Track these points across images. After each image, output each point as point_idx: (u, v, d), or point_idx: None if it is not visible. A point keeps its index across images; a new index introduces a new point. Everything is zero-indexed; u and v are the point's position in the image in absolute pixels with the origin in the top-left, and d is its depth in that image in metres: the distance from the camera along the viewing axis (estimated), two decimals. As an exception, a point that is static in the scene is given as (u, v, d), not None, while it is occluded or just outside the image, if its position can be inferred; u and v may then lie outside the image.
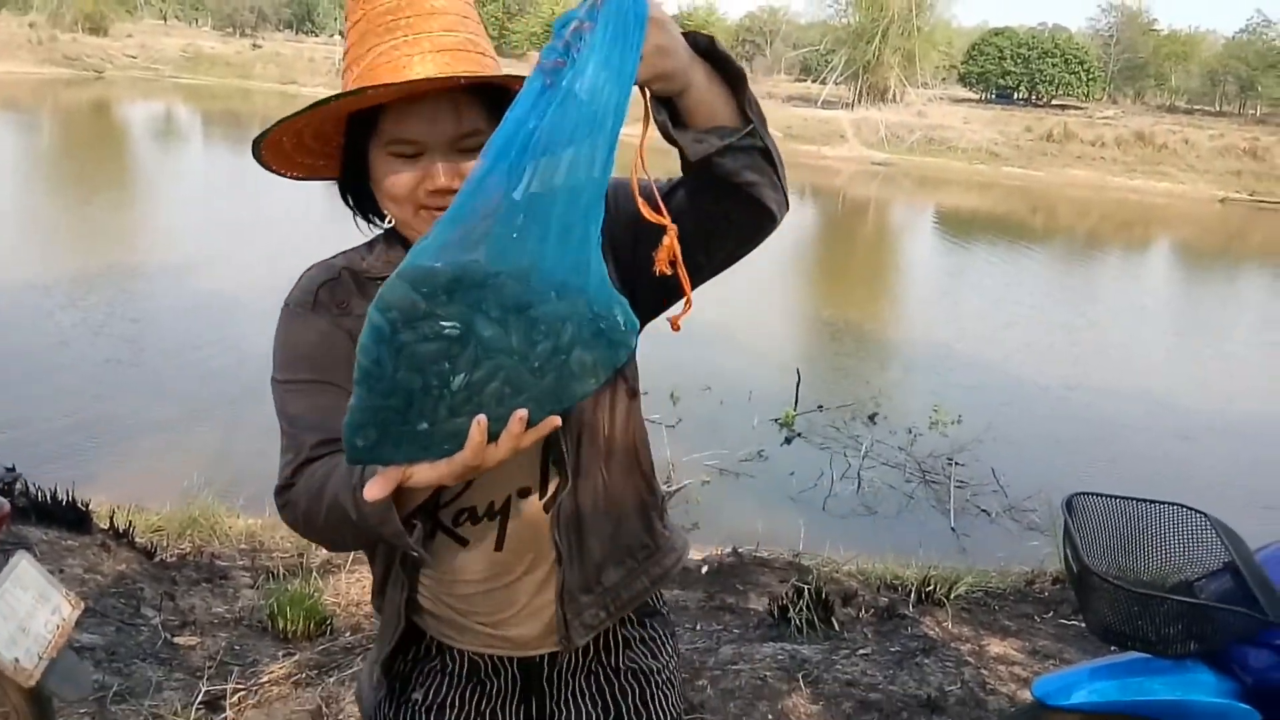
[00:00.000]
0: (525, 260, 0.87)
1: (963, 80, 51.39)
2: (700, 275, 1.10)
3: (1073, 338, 11.34)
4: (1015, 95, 49.65)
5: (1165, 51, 59.03)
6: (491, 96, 1.11)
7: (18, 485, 3.62)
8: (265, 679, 2.82)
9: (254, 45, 46.51)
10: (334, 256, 1.24)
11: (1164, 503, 2.17)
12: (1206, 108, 55.04)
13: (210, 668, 2.84)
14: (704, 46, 0.98)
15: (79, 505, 3.73)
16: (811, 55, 45.69)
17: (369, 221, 1.23)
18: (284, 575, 3.62)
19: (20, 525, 3.42)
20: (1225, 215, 27.79)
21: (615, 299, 0.93)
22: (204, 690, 2.67)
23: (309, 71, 39.38)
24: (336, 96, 1.06)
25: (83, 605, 2.27)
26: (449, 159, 1.09)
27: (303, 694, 2.75)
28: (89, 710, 2.55)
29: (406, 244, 1.19)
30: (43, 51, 37.81)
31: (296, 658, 2.96)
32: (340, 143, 1.17)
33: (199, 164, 21.05)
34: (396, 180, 1.10)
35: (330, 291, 1.18)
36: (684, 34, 0.97)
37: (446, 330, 0.87)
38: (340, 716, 2.63)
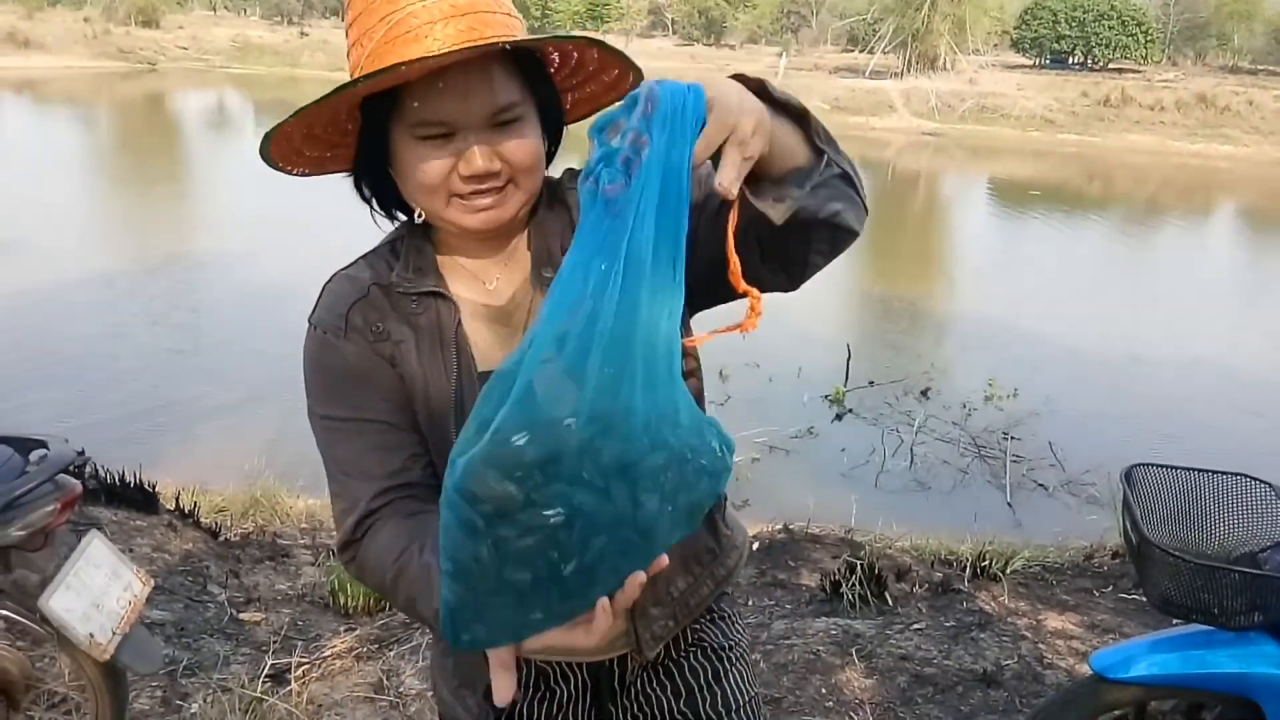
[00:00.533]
0: (616, 413, 0.78)
1: (1015, 46, 50.09)
2: (777, 290, 1.07)
3: (1135, 309, 11.07)
4: (1070, 60, 48.31)
5: (1227, 10, 56.86)
6: (522, 62, 1.02)
7: (87, 468, 3.75)
8: (328, 653, 2.89)
9: (301, 33, 47.03)
10: (356, 265, 1.13)
11: (1227, 473, 2.12)
12: (1271, 68, 53.05)
13: (275, 642, 2.93)
14: (756, 91, 0.90)
15: (146, 487, 3.85)
16: (858, 25, 44.91)
17: (389, 216, 1.12)
18: (343, 553, 3.70)
19: (90, 506, 3.54)
20: (1292, 178, 26.83)
21: (707, 425, 0.86)
22: (269, 664, 2.75)
23: (356, 58, 39.69)
24: (358, 80, 0.95)
25: (153, 582, 2.35)
26: (485, 138, 0.99)
27: (364, 667, 2.82)
28: (160, 683, 2.64)
29: (434, 243, 1.12)
30: (97, 45, 38.62)
31: (358, 632, 3.04)
32: (352, 128, 1.06)
33: (251, 154, 21.40)
34: (427, 167, 1.00)
35: (362, 314, 1.08)
36: (733, 77, 0.89)
37: (552, 519, 0.78)
38: (401, 689, 2.70)
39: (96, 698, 2.24)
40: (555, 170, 1.17)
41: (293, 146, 1.05)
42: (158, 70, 38.19)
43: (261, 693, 2.60)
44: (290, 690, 2.65)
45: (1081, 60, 48.56)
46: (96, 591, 2.19)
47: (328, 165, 1.10)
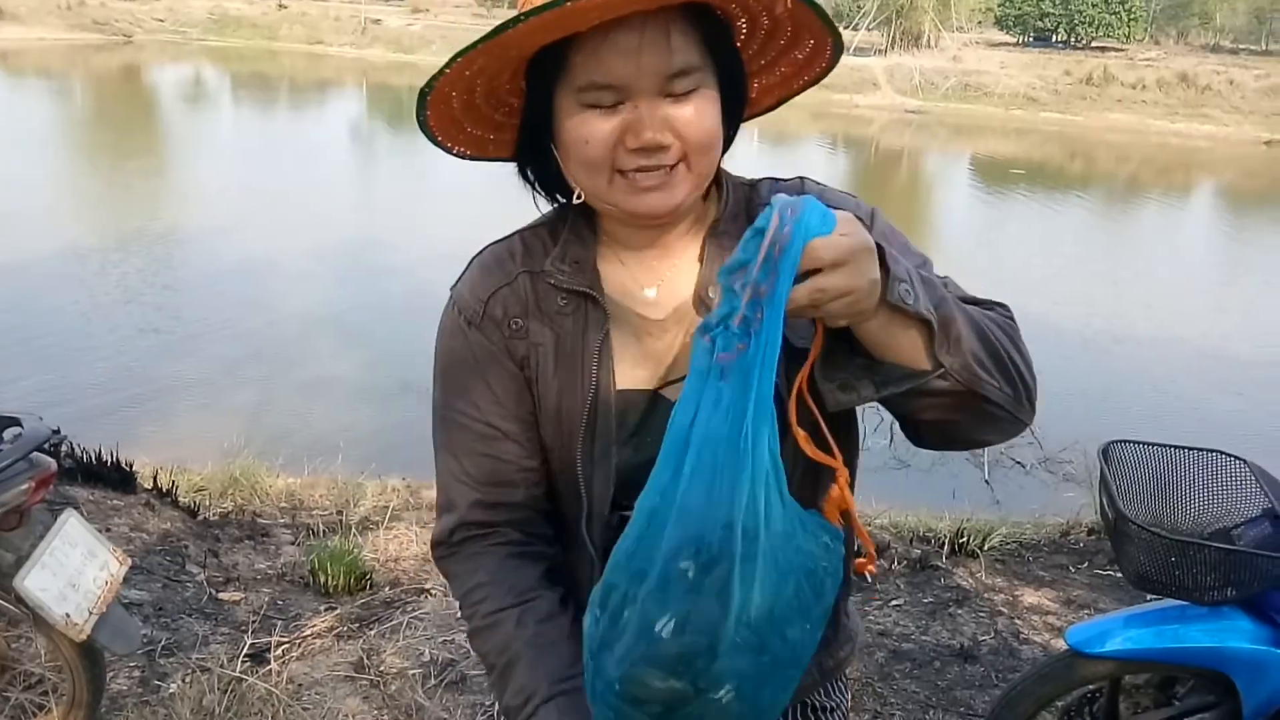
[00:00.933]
0: (757, 565, 0.77)
1: (999, 23, 50.05)
2: None
3: (1115, 288, 11.13)
4: (1053, 38, 48.33)
5: (1210, -11, 57.07)
6: (706, 25, 0.91)
7: (63, 447, 3.71)
8: (308, 632, 2.89)
9: (280, 5, 46.29)
10: (510, 241, 1.04)
11: (1203, 449, 2.14)
12: (1252, 47, 53.32)
13: (254, 622, 2.92)
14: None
15: (123, 466, 3.81)
16: (843, 1, 44.73)
17: (550, 199, 1.02)
18: (324, 532, 3.69)
19: (67, 486, 3.50)
20: (1271, 157, 27.01)
21: (815, 525, 0.84)
22: (249, 643, 2.74)
23: (335, 30, 39.24)
24: (519, 18, 0.83)
25: (130, 562, 2.34)
26: (657, 107, 0.88)
27: (344, 646, 2.81)
28: (138, 663, 2.63)
29: (594, 226, 1.02)
30: (72, 17, 37.92)
31: (338, 611, 3.03)
32: (516, 104, 0.97)
33: (228, 128, 21.15)
34: (591, 137, 0.89)
35: (504, 305, 1.00)
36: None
37: (724, 699, 0.77)
38: (381, 668, 2.69)
39: (74, 678, 2.23)
40: (732, 165, 1.05)
41: (451, 115, 0.96)
42: (133, 42, 37.57)
43: (240, 672, 2.59)
44: (270, 670, 2.64)
45: (1064, 38, 48.56)
46: (73, 571, 2.17)
47: (489, 149, 1.02)
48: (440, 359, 1.04)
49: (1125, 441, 2.17)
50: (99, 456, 3.80)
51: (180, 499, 3.86)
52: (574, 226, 1.01)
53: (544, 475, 1.03)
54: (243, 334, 7.51)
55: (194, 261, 9.59)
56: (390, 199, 13.33)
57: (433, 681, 2.63)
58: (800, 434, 0.85)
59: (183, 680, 2.55)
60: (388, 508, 3.96)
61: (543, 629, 0.98)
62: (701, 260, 1.00)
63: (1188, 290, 11.52)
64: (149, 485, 3.85)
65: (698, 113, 0.90)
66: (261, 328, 7.65)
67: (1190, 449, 2.15)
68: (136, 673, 2.60)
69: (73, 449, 3.74)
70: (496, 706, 1.13)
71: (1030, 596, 3.31)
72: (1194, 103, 31.47)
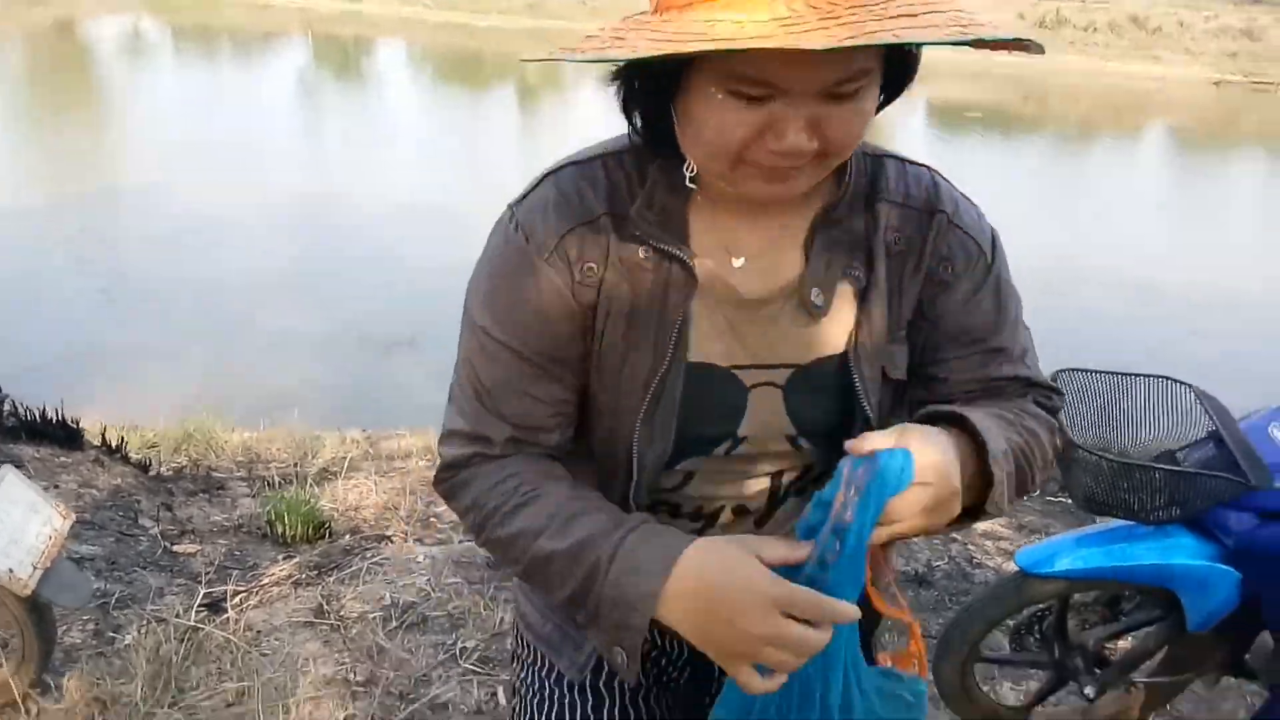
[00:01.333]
0: None
1: (953, -33, 49.91)
2: None
3: (1072, 227, 11.25)
4: (1007, -19, 48.29)
5: (1162, -71, 57.22)
6: None
7: (5, 406, 3.62)
8: (266, 580, 2.86)
9: (220, -46, 44.77)
10: (593, 165, 0.92)
11: (1149, 375, 2.18)
12: (1203, -13, 53.65)
13: (210, 573, 2.88)
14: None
15: (69, 423, 3.73)
16: (797, -55, 44.20)
17: (652, 152, 0.90)
18: (281, 484, 3.65)
19: (11, 444, 3.43)
20: (1220, 98, 27.33)
21: (893, 688, 0.89)
22: (204, 593, 2.71)
23: (278, -20, 38.04)
24: (683, 54, 0.72)
25: (74, 516, 2.30)
26: (809, 110, 0.77)
27: (304, 593, 2.79)
28: (92, 616, 2.59)
29: (690, 190, 0.90)
30: (0, -32, 36.41)
31: (296, 560, 3.00)
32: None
33: (171, 81, 20.51)
34: (727, 129, 0.79)
35: (579, 245, 0.89)
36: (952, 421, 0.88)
37: None
38: (341, 612, 2.68)
39: (22, 634, 2.20)
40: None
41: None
42: (66, -6, 36.14)
43: (197, 621, 2.57)
44: (228, 618, 2.62)
45: (1019, -19, 48.45)
46: (13, 527, 2.13)
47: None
48: (490, 282, 0.93)
49: (1074, 370, 2.20)
50: (44, 414, 3.70)
51: (131, 455, 3.78)
52: (666, 165, 0.89)
53: (577, 419, 0.97)
54: (192, 291, 7.35)
55: (141, 218, 9.35)
56: (341, 153, 13.06)
57: (394, 624, 2.63)
58: (874, 593, 0.87)
59: (138, 631, 2.52)
60: (346, 459, 3.92)
61: (597, 497, 0.92)
62: (807, 250, 0.93)
63: (1141, 228, 11.68)
64: (97, 442, 3.78)
65: (854, 115, 0.81)
66: (212, 285, 7.48)
67: (1137, 375, 2.18)
68: (91, 625, 2.57)
69: (15, 407, 3.65)
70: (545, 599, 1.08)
71: (983, 524, 3.37)
72: (1144, 44, 31.67)
